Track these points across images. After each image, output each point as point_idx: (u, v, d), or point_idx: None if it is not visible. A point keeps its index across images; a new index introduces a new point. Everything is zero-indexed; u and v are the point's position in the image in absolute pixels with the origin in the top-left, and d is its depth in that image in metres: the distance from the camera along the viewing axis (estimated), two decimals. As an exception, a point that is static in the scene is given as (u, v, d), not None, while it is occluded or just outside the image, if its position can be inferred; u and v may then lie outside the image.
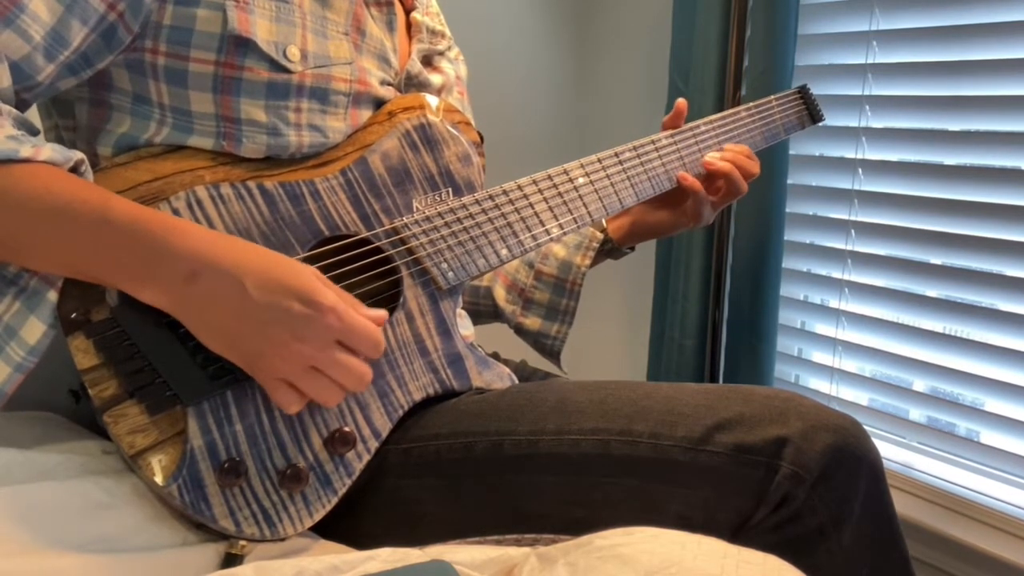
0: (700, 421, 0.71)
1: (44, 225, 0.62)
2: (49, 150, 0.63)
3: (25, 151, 0.62)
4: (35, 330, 0.64)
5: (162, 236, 0.62)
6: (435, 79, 0.88)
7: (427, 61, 0.89)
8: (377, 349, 0.67)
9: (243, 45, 0.70)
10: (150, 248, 0.62)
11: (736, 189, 0.97)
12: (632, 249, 1.04)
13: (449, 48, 0.95)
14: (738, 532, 0.69)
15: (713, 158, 0.97)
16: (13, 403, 0.72)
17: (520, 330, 1.02)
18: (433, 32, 0.90)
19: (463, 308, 1.03)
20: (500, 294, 1.02)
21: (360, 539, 0.71)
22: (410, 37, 0.89)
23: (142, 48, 0.70)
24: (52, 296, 0.64)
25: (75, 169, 0.65)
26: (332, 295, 0.65)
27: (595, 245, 1.00)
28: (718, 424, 0.70)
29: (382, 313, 0.69)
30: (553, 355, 1.01)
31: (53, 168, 0.63)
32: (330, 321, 0.64)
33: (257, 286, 0.63)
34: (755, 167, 0.99)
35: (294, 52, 0.72)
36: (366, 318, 0.67)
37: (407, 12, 0.89)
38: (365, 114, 0.79)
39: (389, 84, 0.81)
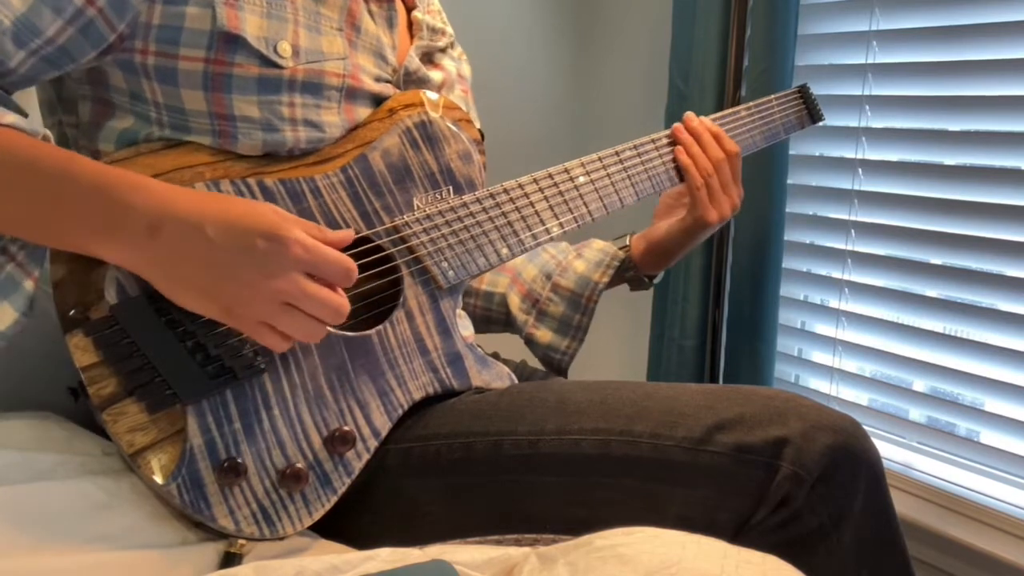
0: (700, 421, 0.71)
1: (6, 181, 0.62)
2: (14, 117, 0.64)
3: None
4: (6, 316, 0.64)
5: (123, 192, 0.62)
6: (435, 76, 0.88)
7: (428, 58, 0.89)
8: (349, 276, 0.66)
9: (232, 42, 0.70)
10: (111, 204, 0.62)
11: (701, 165, 0.95)
12: (652, 280, 1.03)
13: (451, 46, 0.94)
14: (739, 532, 0.69)
15: (679, 149, 0.96)
16: (13, 403, 0.72)
17: (530, 341, 1.00)
18: (434, 30, 0.90)
19: (475, 312, 1.03)
20: (515, 302, 1.01)
21: (360, 539, 0.71)
22: (411, 35, 0.88)
23: (132, 49, 0.70)
24: (28, 285, 0.65)
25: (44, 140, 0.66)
26: (295, 228, 0.64)
27: (615, 263, 0.99)
28: (718, 424, 0.70)
29: (348, 233, 0.69)
30: (560, 371, 1.00)
31: (17, 132, 0.64)
32: (296, 253, 0.64)
33: (218, 231, 0.63)
34: (718, 148, 0.97)
35: (285, 48, 0.72)
36: (333, 241, 0.67)
37: (408, 10, 0.89)
38: (360, 110, 0.78)
39: (386, 81, 0.81)
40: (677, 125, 0.97)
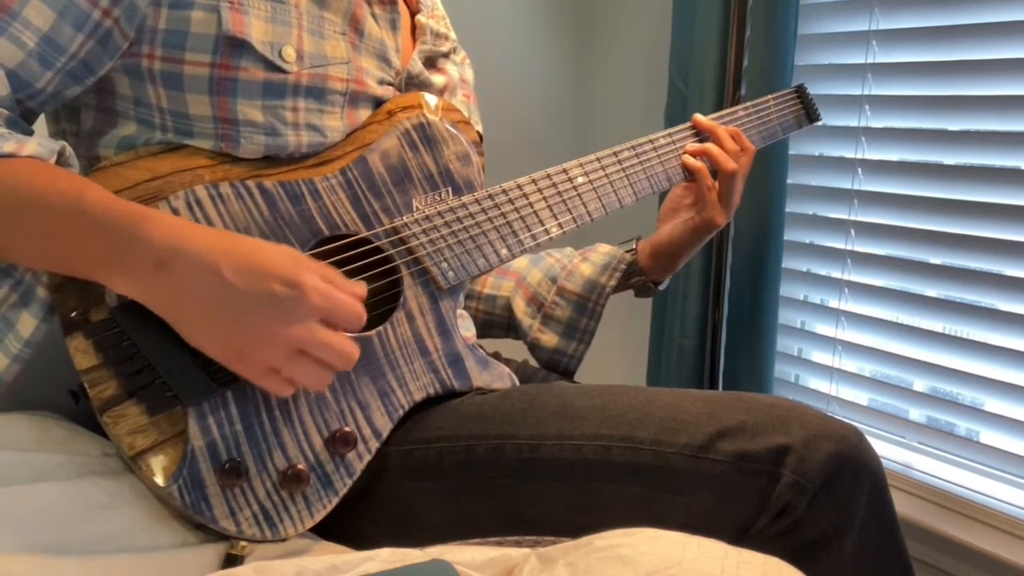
0: (702, 429, 0.70)
1: (22, 217, 0.62)
2: (33, 145, 0.64)
3: (8, 147, 0.63)
4: (28, 324, 0.65)
5: (132, 225, 0.62)
6: (437, 80, 0.88)
7: (430, 63, 0.89)
8: (359, 322, 0.66)
9: (238, 46, 0.70)
10: (120, 237, 0.62)
11: (722, 168, 0.96)
12: (657, 286, 1.03)
13: (454, 51, 0.94)
14: (739, 540, 0.69)
15: (686, 156, 0.97)
16: (13, 403, 0.72)
17: (535, 346, 0.99)
18: (437, 34, 0.90)
19: (476, 316, 1.02)
20: (520, 306, 1.00)
21: (360, 541, 0.71)
22: (414, 39, 0.88)
23: (139, 54, 0.70)
24: (41, 292, 0.65)
25: (60, 155, 0.66)
26: (313, 275, 0.64)
27: (622, 267, 0.98)
28: (720, 432, 0.70)
29: (362, 287, 0.68)
30: (567, 375, 1.00)
31: (36, 162, 0.64)
32: (314, 300, 0.63)
33: (236, 271, 0.62)
34: (734, 144, 0.98)
35: (289, 52, 0.72)
36: (348, 293, 0.66)
37: (412, 14, 0.89)
38: (363, 113, 0.78)
39: (389, 84, 0.81)
40: (699, 119, 0.98)
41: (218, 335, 0.63)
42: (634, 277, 1.01)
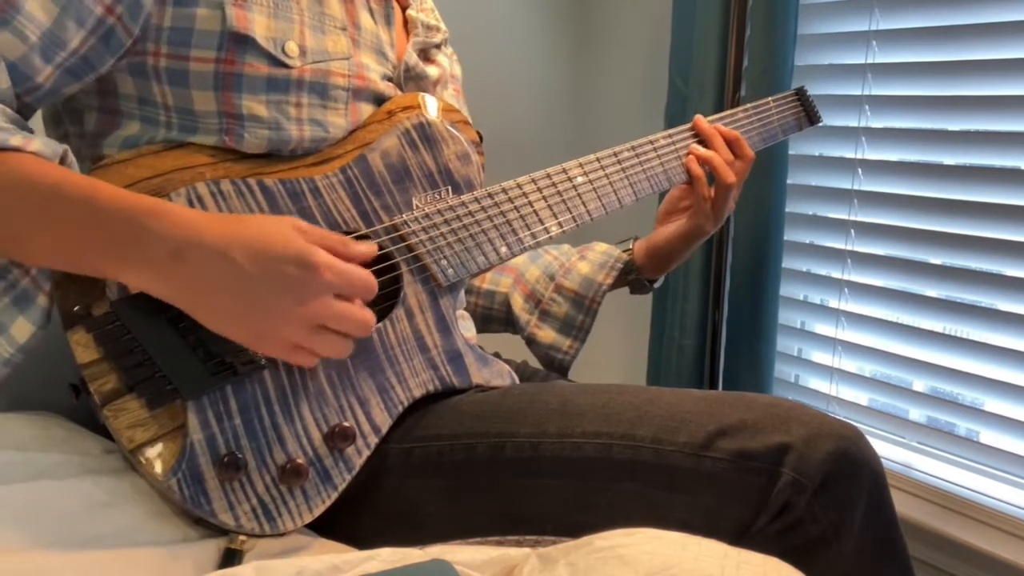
0: (702, 427, 0.70)
1: (32, 208, 0.62)
2: (39, 143, 0.64)
3: (15, 140, 0.63)
4: (24, 330, 0.64)
5: (145, 217, 0.62)
6: (432, 71, 0.89)
7: (424, 54, 0.90)
8: (372, 291, 0.68)
9: (242, 42, 0.70)
10: (133, 229, 0.62)
11: (722, 179, 0.96)
12: (652, 284, 1.04)
13: (445, 43, 0.95)
14: (739, 539, 0.69)
15: (691, 159, 0.97)
16: (13, 403, 0.72)
17: (532, 341, 1.01)
18: (428, 26, 0.91)
19: (475, 311, 1.03)
20: (518, 302, 1.02)
21: (361, 539, 0.71)
22: (407, 33, 0.89)
23: (143, 52, 0.70)
24: (42, 300, 0.65)
25: (63, 159, 0.66)
26: (321, 252, 0.65)
27: (619, 266, 1.00)
28: (720, 430, 0.70)
29: (372, 247, 0.70)
30: (562, 371, 1.00)
31: (41, 160, 0.64)
32: (327, 278, 0.65)
33: (246, 258, 0.63)
34: (729, 152, 0.98)
35: (292, 48, 0.73)
36: (357, 254, 0.68)
37: (403, 9, 0.90)
38: (366, 109, 0.79)
39: (388, 79, 0.82)
40: (699, 122, 0.98)
41: (238, 320, 0.64)
42: (630, 275, 1.02)
